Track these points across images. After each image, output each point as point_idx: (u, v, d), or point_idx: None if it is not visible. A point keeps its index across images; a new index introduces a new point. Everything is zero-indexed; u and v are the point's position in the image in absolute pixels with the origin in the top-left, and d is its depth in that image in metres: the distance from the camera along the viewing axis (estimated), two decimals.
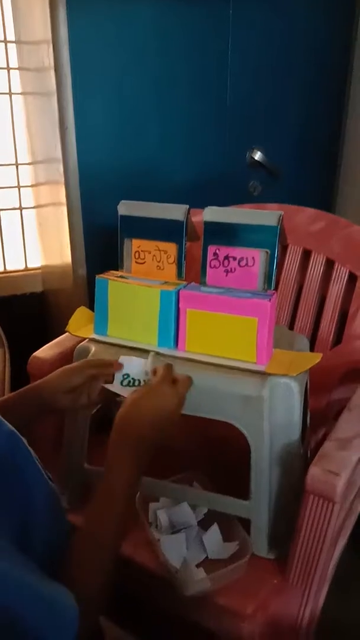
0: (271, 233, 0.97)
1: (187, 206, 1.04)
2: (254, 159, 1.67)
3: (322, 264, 1.31)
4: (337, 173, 1.91)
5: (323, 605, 0.96)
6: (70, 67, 1.43)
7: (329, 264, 1.31)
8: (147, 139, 1.56)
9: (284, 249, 1.34)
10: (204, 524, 1.01)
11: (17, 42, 1.71)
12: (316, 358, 0.97)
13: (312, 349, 1.24)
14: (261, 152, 1.67)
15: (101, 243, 1.53)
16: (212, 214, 1.02)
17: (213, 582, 0.90)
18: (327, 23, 1.73)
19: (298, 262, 1.34)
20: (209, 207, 1.02)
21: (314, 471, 0.84)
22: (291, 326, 1.35)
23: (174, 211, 1.03)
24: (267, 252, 0.99)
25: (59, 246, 1.67)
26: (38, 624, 0.53)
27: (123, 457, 0.74)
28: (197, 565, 0.95)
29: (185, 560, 0.94)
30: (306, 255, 1.35)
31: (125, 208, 1.08)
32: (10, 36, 1.70)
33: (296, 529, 0.88)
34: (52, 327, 1.92)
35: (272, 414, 0.92)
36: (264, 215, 0.99)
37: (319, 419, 1.21)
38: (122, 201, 1.07)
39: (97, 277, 1.04)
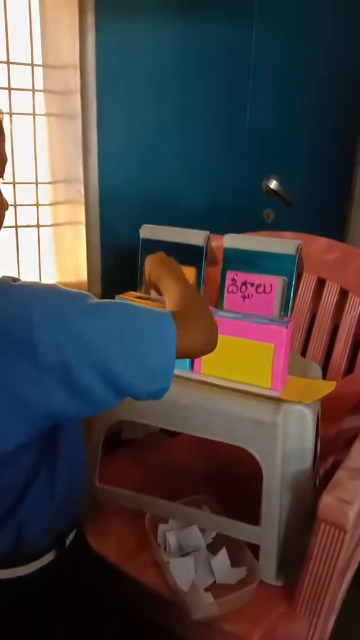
0: (290, 261, 0.99)
1: (208, 232, 1.06)
2: (269, 187, 1.70)
3: (335, 293, 1.33)
4: (350, 203, 1.94)
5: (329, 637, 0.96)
6: (95, 91, 1.47)
7: (343, 293, 1.33)
8: (166, 163, 1.60)
9: (299, 277, 1.35)
10: (213, 548, 1.01)
11: (44, 65, 1.75)
12: (330, 386, 0.98)
13: (324, 377, 1.25)
14: (276, 180, 1.71)
15: (116, 263, 1.56)
16: (232, 240, 1.04)
17: (221, 607, 0.90)
18: (346, 53, 1.77)
19: (312, 290, 1.36)
20: (229, 234, 1.04)
21: (327, 499, 0.84)
22: (303, 353, 1.36)
23: (195, 236, 1.06)
24: (284, 280, 1.01)
25: (75, 264, 1.69)
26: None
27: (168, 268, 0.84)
28: (205, 590, 0.95)
29: (193, 584, 0.94)
30: (320, 284, 1.36)
31: (147, 231, 1.10)
32: (37, 59, 1.75)
33: (306, 557, 0.88)
34: None
35: (286, 440, 0.93)
36: (283, 243, 1.01)
37: (329, 447, 1.21)
38: (144, 225, 1.10)
39: (117, 297, 1.06)
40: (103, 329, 0.57)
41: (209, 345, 0.68)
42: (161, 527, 1.04)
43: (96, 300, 0.60)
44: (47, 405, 0.55)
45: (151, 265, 0.85)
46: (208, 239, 1.05)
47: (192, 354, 0.74)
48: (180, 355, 0.62)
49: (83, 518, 0.82)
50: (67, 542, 0.76)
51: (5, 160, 0.70)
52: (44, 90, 1.79)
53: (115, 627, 0.82)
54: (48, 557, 0.72)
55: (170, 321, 0.61)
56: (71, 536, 0.77)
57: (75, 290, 0.61)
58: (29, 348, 0.53)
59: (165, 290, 0.78)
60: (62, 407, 0.56)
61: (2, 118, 0.69)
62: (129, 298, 1.06)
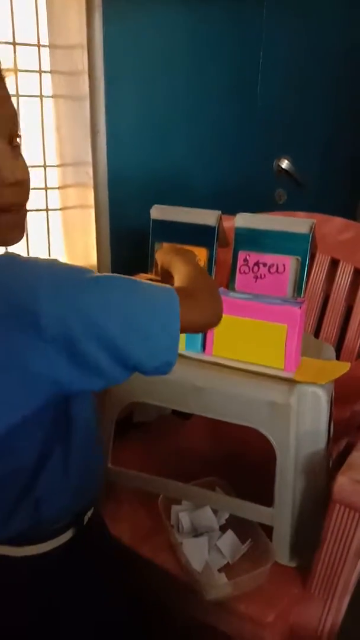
0: (303, 240, 0.97)
1: (219, 212, 1.04)
2: (281, 167, 1.68)
3: (349, 273, 1.31)
4: None
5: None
6: (103, 72, 1.44)
7: (357, 274, 1.31)
8: (176, 145, 1.57)
9: (312, 257, 1.34)
10: (226, 530, 1.01)
11: (51, 46, 1.73)
12: (345, 367, 0.97)
13: (337, 358, 1.23)
14: (288, 160, 1.68)
15: (127, 247, 1.54)
16: (244, 220, 1.02)
17: (234, 588, 0.90)
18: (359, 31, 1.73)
19: (325, 271, 1.34)
20: (240, 213, 1.02)
21: (342, 481, 0.83)
22: (316, 335, 1.35)
23: (206, 216, 1.04)
24: (298, 260, 0.99)
25: (84, 248, 1.68)
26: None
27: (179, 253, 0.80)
28: (219, 571, 0.95)
29: (207, 565, 0.94)
30: (333, 264, 1.34)
31: (158, 212, 1.08)
32: (43, 40, 1.73)
33: (320, 538, 0.88)
34: None
35: (299, 421, 0.92)
36: (296, 222, 1.00)
37: (342, 429, 1.20)
38: (155, 205, 1.08)
39: None
40: (107, 303, 0.56)
41: (213, 320, 0.68)
42: (174, 508, 1.04)
43: (99, 274, 0.59)
44: (53, 375, 0.55)
45: (163, 254, 0.84)
46: (220, 219, 1.04)
47: (196, 329, 0.75)
48: (184, 330, 0.62)
49: (101, 497, 0.82)
50: (86, 520, 0.76)
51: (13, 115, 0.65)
52: (51, 72, 1.77)
53: (129, 607, 0.83)
54: (67, 535, 0.73)
55: (174, 295, 0.61)
56: (89, 514, 0.77)
57: (76, 265, 0.60)
58: (33, 319, 0.53)
59: (175, 271, 0.77)
60: (68, 379, 0.56)
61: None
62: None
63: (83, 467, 0.71)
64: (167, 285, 0.64)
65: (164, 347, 0.60)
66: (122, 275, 0.61)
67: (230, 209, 1.06)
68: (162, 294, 0.61)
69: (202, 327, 0.71)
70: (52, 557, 0.71)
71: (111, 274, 0.61)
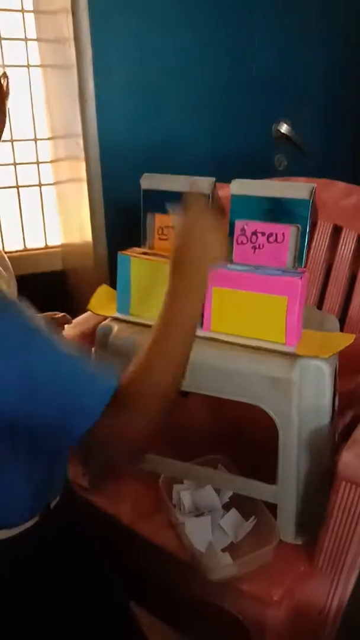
0: (303, 207, 0.92)
1: (214, 179, 0.99)
2: (280, 131, 1.61)
3: (353, 241, 1.26)
4: None
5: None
6: (90, 37, 1.38)
7: None
8: (169, 111, 1.51)
9: (313, 225, 1.28)
10: (230, 509, 0.99)
11: (35, 11, 1.66)
12: (349, 339, 0.92)
13: (341, 330, 1.19)
14: (287, 124, 1.61)
15: (123, 220, 1.49)
16: (240, 187, 0.97)
17: (239, 568, 0.88)
18: None
19: (328, 239, 1.29)
20: (236, 179, 0.97)
21: (347, 457, 0.80)
22: (319, 306, 1.31)
23: (200, 184, 0.99)
24: (297, 228, 0.94)
25: (79, 223, 1.63)
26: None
27: (188, 288, 0.70)
28: (223, 550, 0.93)
29: (210, 545, 0.92)
30: (336, 231, 1.29)
31: (148, 181, 1.03)
32: (28, 5, 1.65)
33: (326, 515, 0.85)
34: (73, 306, 1.89)
35: (302, 397, 0.89)
36: (295, 188, 0.94)
37: (347, 401, 1.17)
38: (145, 174, 1.03)
39: (120, 253, 1.01)
40: (42, 371, 0.56)
41: (138, 438, 0.63)
42: (176, 487, 1.02)
43: (47, 335, 0.59)
44: None
45: (183, 250, 0.72)
46: (214, 187, 0.99)
47: (114, 440, 0.64)
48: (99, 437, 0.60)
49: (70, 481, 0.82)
50: (53, 505, 0.76)
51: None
52: (37, 40, 1.70)
53: (112, 593, 0.82)
54: (32, 522, 0.73)
55: (105, 396, 0.58)
56: (56, 500, 0.77)
57: (34, 317, 0.61)
58: None
59: (163, 310, 0.68)
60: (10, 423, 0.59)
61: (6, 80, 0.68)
62: (133, 255, 1.01)
63: (43, 472, 0.72)
64: (109, 377, 0.60)
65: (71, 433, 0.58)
66: (70, 346, 0.61)
67: (227, 178, 1.00)
68: (94, 390, 0.58)
69: (120, 442, 0.64)
70: (18, 542, 0.71)
71: (61, 341, 0.63)
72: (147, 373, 0.63)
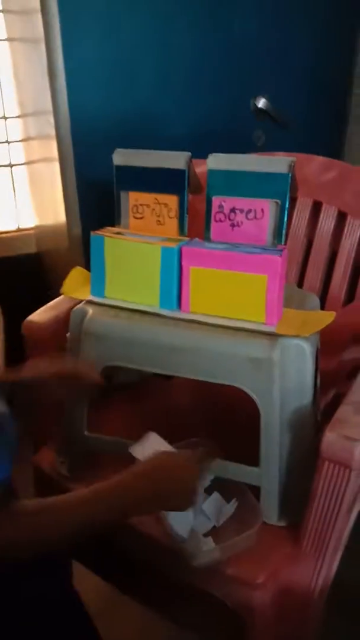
0: (282, 181, 0.89)
1: (189, 154, 0.95)
2: (257, 106, 1.57)
3: (333, 216, 1.23)
4: (347, 122, 1.80)
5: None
6: (57, 8, 1.31)
7: (341, 217, 1.24)
8: (144, 84, 1.46)
9: (292, 201, 1.26)
10: (212, 492, 0.97)
11: None
12: (329, 317, 0.91)
13: (322, 308, 1.18)
14: (266, 99, 1.56)
15: (97, 200, 1.44)
16: (217, 161, 0.94)
17: (222, 552, 0.87)
18: None
19: (307, 215, 1.26)
20: (212, 154, 0.94)
21: (330, 437, 0.79)
22: (300, 284, 1.28)
23: (174, 159, 0.95)
24: (277, 203, 0.91)
25: (53, 204, 1.58)
26: None
27: (152, 494, 0.74)
28: (205, 535, 0.91)
29: (192, 530, 0.90)
30: (316, 208, 1.27)
31: (121, 157, 0.99)
32: None
33: (310, 496, 0.84)
34: (48, 289, 1.85)
35: (283, 377, 0.87)
36: (274, 161, 0.91)
37: (330, 379, 1.16)
38: (118, 149, 0.99)
39: (92, 233, 0.97)
40: None
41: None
42: None
43: None
44: None
45: (155, 462, 0.77)
46: (190, 162, 0.95)
47: None
48: None
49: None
50: None
51: None
52: (2, 11, 1.62)
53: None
54: None
55: None
56: None
57: None
58: None
59: (117, 481, 0.71)
60: None
61: None
62: (107, 234, 0.97)
63: None
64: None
65: None
66: None
67: (204, 154, 0.96)
68: None
69: None
70: None
71: None
72: (60, 519, 0.65)
